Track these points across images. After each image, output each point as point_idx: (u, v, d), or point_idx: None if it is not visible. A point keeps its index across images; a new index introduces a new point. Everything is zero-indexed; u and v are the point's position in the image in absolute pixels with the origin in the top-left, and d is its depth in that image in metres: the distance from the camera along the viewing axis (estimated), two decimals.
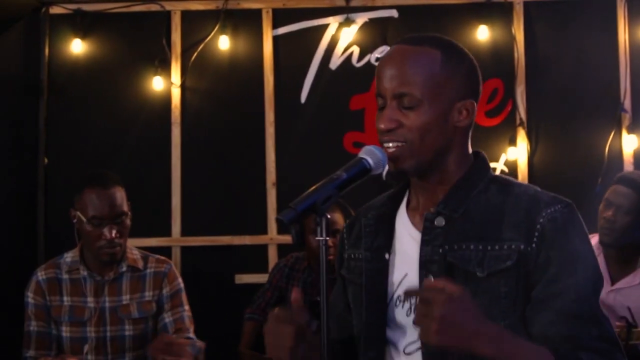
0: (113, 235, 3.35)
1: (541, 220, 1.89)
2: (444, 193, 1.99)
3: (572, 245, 1.89)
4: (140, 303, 3.49)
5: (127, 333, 3.45)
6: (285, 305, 5.18)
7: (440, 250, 1.94)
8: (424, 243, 1.97)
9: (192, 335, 3.51)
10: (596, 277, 1.92)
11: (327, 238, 1.80)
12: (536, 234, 1.89)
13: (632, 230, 3.79)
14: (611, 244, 3.82)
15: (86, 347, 3.41)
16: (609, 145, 5.28)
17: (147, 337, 3.49)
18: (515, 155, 5.33)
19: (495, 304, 1.89)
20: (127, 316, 3.46)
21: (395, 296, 2.02)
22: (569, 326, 1.85)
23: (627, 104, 5.31)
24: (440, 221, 1.96)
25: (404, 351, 2.00)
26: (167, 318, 3.50)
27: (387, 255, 2.04)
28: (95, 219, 3.34)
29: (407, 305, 1.99)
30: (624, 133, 5.29)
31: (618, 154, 5.30)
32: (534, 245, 1.88)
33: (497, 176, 2.06)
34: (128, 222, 3.44)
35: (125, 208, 3.41)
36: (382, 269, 2.04)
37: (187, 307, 3.57)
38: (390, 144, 1.95)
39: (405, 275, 2.01)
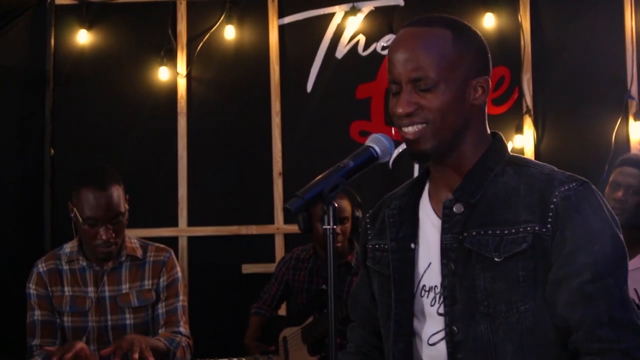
0: (109, 236, 3.33)
1: (554, 199, 1.88)
2: (461, 178, 1.98)
3: (587, 223, 1.87)
4: (140, 292, 3.49)
5: (127, 322, 3.46)
6: (291, 298, 5.15)
7: (460, 237, 1.93)
8: (444, 231, 1.96)
9: (181, 329, 3.49)
10: (616, 254, 1.88)
11: (335, 226, 1.79)
12: (550, 214, 1.87)
13: None
14: (623, 224, 3.86)
15: (84, 339, 3.41)
16: (616, 133, 5.26)
17: (148, 325, 3.50)
18: (522, 143, 5.32)
19: (514, 289, 1.87)
20: (127, 305, 3.46)
21: (421, 286, 2.01)
22: (582, 310, 1.82)
23: (634, 91, 5.29)
24: (458, 208, 1.96)
25: (427, 342, 1.99)
26: (161, 309, 3.50)
27: (412, 245, 2.03)
28: (90, 219, 3.31)
29: (431, 295, 1.99)
30: (631, 120, 5.27)
31: (625, 141, 5.28)
32: (549, 225, 1.87)
33: (514, 157, 2.04)
34: (125, 220, 3.39)
35: (122, 208, 3.36)
36: (409, 259, 2.03)
37: (182, 298, 3.56)
38: (410, 127, 1.94)
39: (429, 264, 2.00)
